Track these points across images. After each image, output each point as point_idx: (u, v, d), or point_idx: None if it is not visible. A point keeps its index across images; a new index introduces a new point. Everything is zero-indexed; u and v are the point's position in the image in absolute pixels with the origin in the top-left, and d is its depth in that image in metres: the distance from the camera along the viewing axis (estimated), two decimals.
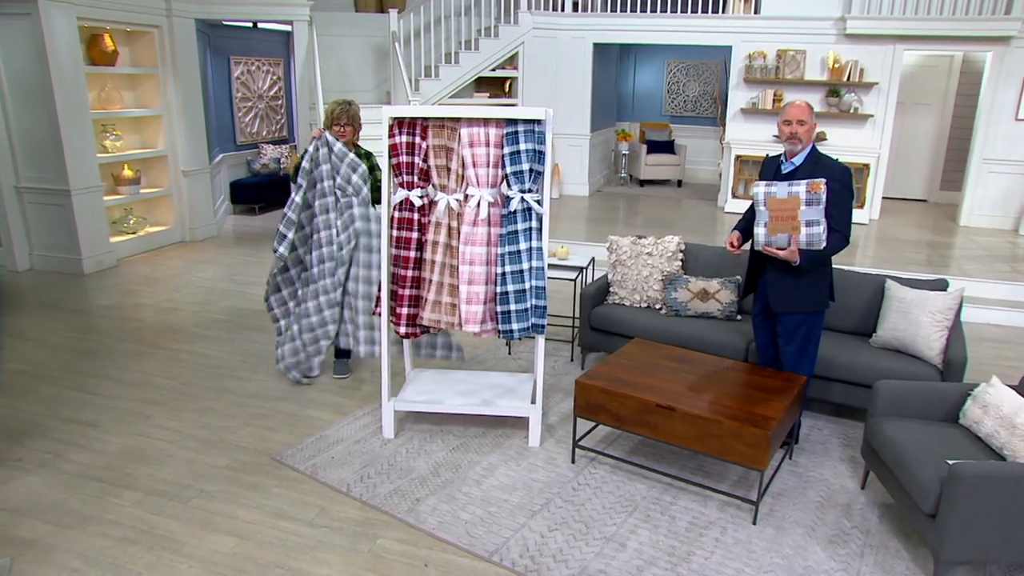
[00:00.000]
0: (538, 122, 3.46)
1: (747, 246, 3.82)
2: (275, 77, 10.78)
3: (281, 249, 4.32)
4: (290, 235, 4.30)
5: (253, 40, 10.30)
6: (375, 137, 7.93)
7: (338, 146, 4.22)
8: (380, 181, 4.23)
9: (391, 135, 3.59)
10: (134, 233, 7.87)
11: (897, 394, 3.42)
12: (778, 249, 3.49)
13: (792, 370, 3.76)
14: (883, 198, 9.58)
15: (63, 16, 6.47)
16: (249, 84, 10.29)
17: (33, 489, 3.46)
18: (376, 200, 4.35)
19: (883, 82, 9.07)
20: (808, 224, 3.40)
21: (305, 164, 4.24)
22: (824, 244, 3.44)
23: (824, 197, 3.36)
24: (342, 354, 4.75)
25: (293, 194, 4.29)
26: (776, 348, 3.89)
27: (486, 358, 5.10)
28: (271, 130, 10.79)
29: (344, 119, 4.32)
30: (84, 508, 3.33)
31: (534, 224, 3.57)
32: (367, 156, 4.49)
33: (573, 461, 3.75)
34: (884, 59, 9.00)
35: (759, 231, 3.54)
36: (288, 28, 9.65)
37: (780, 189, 3.44)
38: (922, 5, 8.61)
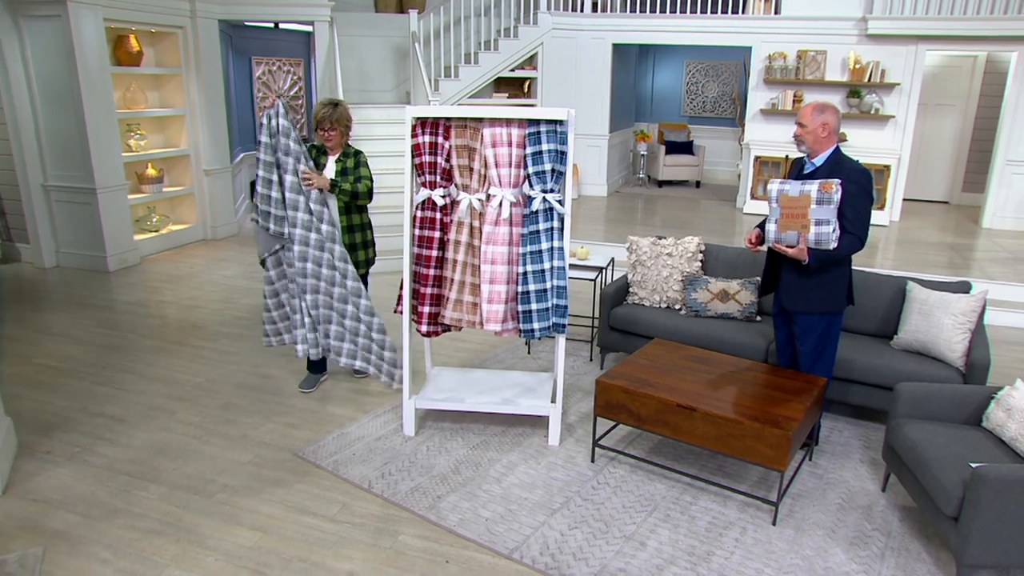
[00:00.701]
0: (560, 122, 3.48)
1: (765, 245, 3.82)
2: (295, 77, 10.86)
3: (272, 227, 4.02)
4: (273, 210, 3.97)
5: (274, 40, 10.39)
6: (397, 137, 8.05)
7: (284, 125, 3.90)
8: (360, 186, 4.09)
9: (414, 135, 3.63)
10: (157, 231, 7.97)
11: (919, 396, 3.41)
12: (787, 247, 3.50)
13: (808, 371, 3.76)
14: (904, 200, 9.50)
15: (91, 17, 6.58)
16: (270, 84, 10.38)
17: (63, 481, 3.53)
18: (355, 201, 4.16)
19: (905, 83, 9.00)
20: (818, 223, 3.40)
21: (265, 139, 3.88)
22: (834, 244, 3.42)
23: (836, 197, 3.35)
24: (316, 367, 4.63)
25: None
26: (795, 348, 3.89)
27: (505, 357, 5.13)
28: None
29: (327, 123, 4.09)
30: (112, 500, 3.39)
31: (556, 224, 3.59)
32: (355, 155, 4.23)
33: (593, 460, 3.77)
34: (906, 60, 8.93)
35: (770, 227, 3.56)
36: (309, 28, 9.74)
37: (793, 187, 3.45)
38: (945, 5, 8.53)
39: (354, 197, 4.12)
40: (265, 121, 3.87)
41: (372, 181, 4.21)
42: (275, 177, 3.92)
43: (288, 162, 3.89)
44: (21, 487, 3.47)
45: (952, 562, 3.03)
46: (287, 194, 3.93)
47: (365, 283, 4.42)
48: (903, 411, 3.41)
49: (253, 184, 9.99)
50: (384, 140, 7.87)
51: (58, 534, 3.13)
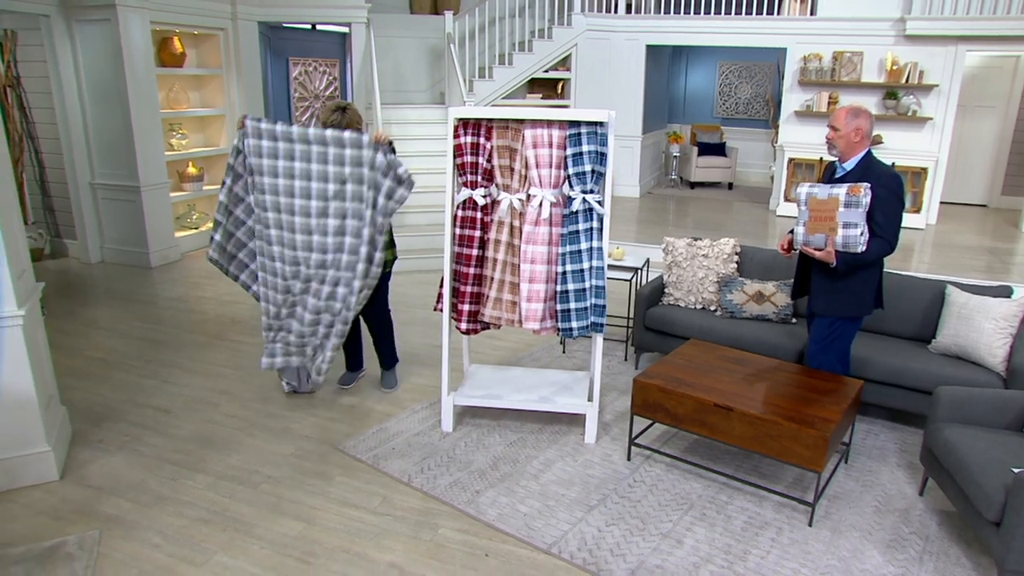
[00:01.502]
0: (600, 124, 3.53)
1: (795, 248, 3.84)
2: (331, 77, 11.01)
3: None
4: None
5: (311, 41, 10.54)
6: (432, 136, 8.15)
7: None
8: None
9: (456, 135, 3.69)
10: (196, 228, 8.15)
11: (959, 400, 3.39)
12: (815, 249, 3.51)
13: (817, 367, 3.82)
14: (941, 203, 9.38)
15: (138, 21, 6.76)
16: (306, 84, 10.54)
17: (115, 469, 3.66)
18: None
19: (943, 84, 8.89)
20: (846, 226, 3.41)
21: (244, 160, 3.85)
22: (862, 248, 3.42)
23: (865, 201, 3.35)
24: (354, 364, 4.69)
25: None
26: None
27: (540, 356, 5.18)
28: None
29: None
30: (161, 489, 3.50)
31: (595, 224, 3.63)
32: None
33: (629, 458, 3.81)
34: (945, 60, 8.82)
35: (798, 230, 3.58)
36: (345, 30, 9.88)
37: (821, 190, 3.46)
38: (987, 4, 8.41)
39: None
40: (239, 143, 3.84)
41: None
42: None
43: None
44: (76, 473, 3.61)
45: (993, 567, 3.02)
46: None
47: (386, 282, 4.41)
48: (942, 415, 3.40)
49: None
50: (419, 140, 7.97)
51: (112, 519, 3.25)
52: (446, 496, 3.45)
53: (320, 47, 10.71)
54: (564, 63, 10.00)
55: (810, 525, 3.30)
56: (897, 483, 3.66)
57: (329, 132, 3.69)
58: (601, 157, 3.57)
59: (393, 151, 3.89)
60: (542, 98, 10.05)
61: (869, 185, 3.38)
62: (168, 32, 7.54)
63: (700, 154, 11.59)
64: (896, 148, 9.06)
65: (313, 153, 3.72)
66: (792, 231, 3.89)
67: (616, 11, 10.08)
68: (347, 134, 3.68)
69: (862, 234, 3.40)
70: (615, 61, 10.10)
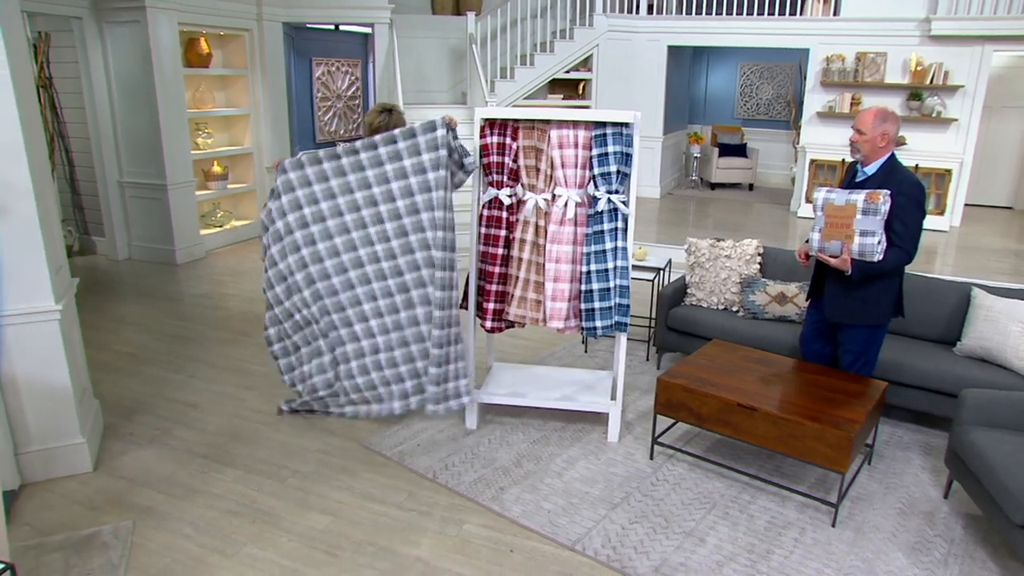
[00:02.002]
0: (626, 125, 3.56)
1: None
2: (353, 77, 11.10)
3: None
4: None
5: (334, 42, 10.64)
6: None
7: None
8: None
9: (483, 135, 3.73)
10: (221, 226, 8.26)
11: (985, 403, 3.38)
12: (830, 256, 3.45)
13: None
14: (965, 205, 9.29)
15: (167, 22, 6.87)
16: (329, 84, 10.63)
17: (146, 461, 3.73)
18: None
19: (969, 85, 8.80)
20: (863, 234, 3.33)
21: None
22: (879, 257, 3.35)
23: (883, 208, 3.28)
24: None
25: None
26: (824, 345, 3.90)
27: (562, 355, 5.21)
28: (348, 129, 11.13)
29: (384, 132, 3.73)
30: (191, 481, 3.57)
31: (620, 224, 3.66)
32: None
33: (651, 457, 3.83)
34: (971, 61, 8.73)
35: (814, 236, 3.51)
36: (368, 30, 9.96)
37: (839, 196, 3.39)
38: (1015, 4, 8.31)
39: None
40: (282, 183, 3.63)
41: None
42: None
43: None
44: (109, 465, 3.69)
45: (1021, 572, 3.01)
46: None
47: None
48: (968, 417, 3.39)
49: None
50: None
51: (144, 510, 3.32)
52: (471, 492, 3.49)
53: (342, 47, 10.80)
54: (585, 64, 10.01)
55: (833, 526, 3.30)
56: (921, 485, 3.66)
57: (396, 132, 3.57)
58: (626, 158, 3.59)
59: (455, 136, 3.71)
60: (563, 99, 10.07)
61: (889, 192, 3.30)
62: (195, 33, 7.65)
63: (720, 155, 11.56)
64: (920, 150, 8.98)
65: (369, 175, 3.56)
66: (808, 240, 3.87)
67: (638, 12, 10.08)
68: (418, 123, 3.57)
69: (879, 243, 3.33)
70: (636, 62, 10.09)
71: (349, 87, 11.04)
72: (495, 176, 3.77)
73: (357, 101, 11.26)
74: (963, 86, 8.80)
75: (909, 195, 3.38)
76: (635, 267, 5.06)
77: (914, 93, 9.02)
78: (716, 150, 11.57)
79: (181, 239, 7.39)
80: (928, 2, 8.75)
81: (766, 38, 9.65)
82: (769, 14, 9.65)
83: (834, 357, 3.92)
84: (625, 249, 3.66)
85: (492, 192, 3.79)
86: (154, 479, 3.58)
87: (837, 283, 3.59)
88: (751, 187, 11.79)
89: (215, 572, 2.94)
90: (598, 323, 3.70)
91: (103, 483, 3.53)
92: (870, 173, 3.52)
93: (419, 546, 3.13)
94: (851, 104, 9.28)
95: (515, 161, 3.75)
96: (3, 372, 3.30)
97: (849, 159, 3.71)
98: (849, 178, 3.68)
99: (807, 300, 4.00)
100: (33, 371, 3.36)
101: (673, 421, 4.06)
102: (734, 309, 4.79)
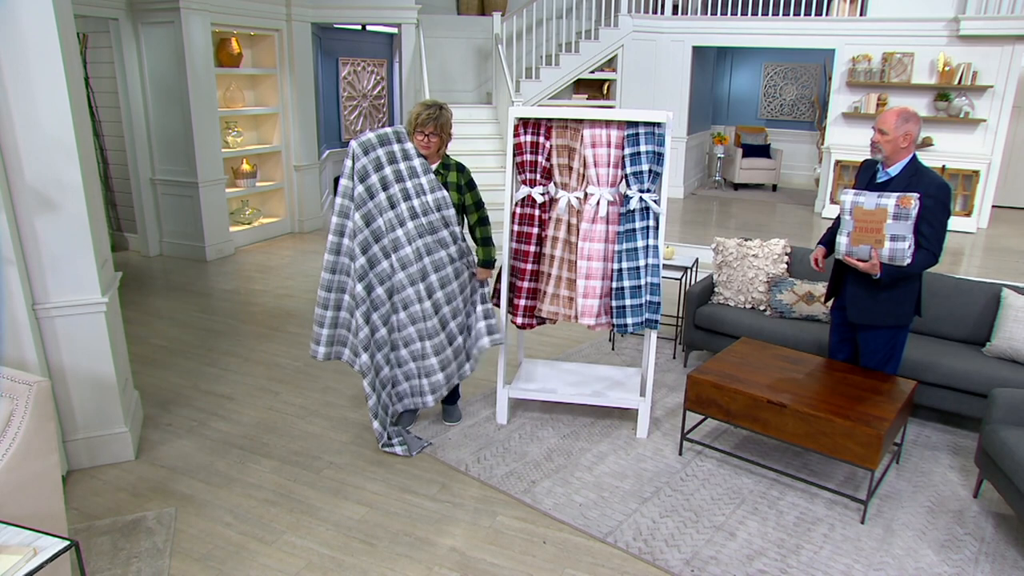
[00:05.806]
0: (658, 125, 3.60)
1: (833, 258, 3.78)
2: (379, 77, 11.22)
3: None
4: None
5: (360, 42, 10.76)
6: (479, 136, 8.27)
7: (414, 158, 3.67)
8: (471, 204, 3.82)
9: (516, 134, 3.79)
10: (249, 224, 8.39)
11: (1016, 402, 3.39)
12: (859, 261, 3.43)
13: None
14: (993, 207, 9.22)
15: (200, 23, 6.99)
16: (355, 84, 10.76)
17: (185, 451, 3.83)
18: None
19: (998, 85, 8.73)
20: (893, 239, 3.31)
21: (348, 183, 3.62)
22: (908, 261, 3.34)
23: (914, 212, 3.26)
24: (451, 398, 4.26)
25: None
26: (851, 351, 3.90)
27: (590, 352, 5.26)
28: (373, 128, 11.23)
29: (431, 127, 3.63)
30: (229, 471, 3.66)
31: (651, 223, 3.70)
32: (459, 170, 3.81)
33: (680, 453, 3.87)
34: (1000, 61, 8.66)
35: (841, 240, 3.49)
36: (394, 31, 10.06)
37: (868, 200, 3.36)
38: None
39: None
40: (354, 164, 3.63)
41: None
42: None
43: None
44: (150, 454, 3.79)
45: None
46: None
47: None
48: (998, 416, 3.40)
49: (336, 180, 10.35)
50: (468, 139, 8.09)
51: (185, 498, 3.42)
52: (503, 485, 3.55)
53: (369, 47, 10.93)
54: (610, 64, 10.04)
55: (862, 523, 3.33)
56: (950, 485, 3.67)
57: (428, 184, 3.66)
58: (658, 157, 3.63)
59: (471, 184, 3.85)
60: (587, 99, 10.11)
61: (918, 196, 3.28)
62: (227, 33, 7.78)
63: (744, 155, 11.54)
64: (947, 151, 8.93)
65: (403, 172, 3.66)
66: (821, 241, 3.87)
67: (662, 12, 10.10)
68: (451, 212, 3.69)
69: (909, 247, 3.31)
70: (661, 62, 10.11)
71: (374, 86, 11.16)
72: (528, 174, 3.82)
73: (382, 100, 11.38)
74: (992, 86, 8.74)
75: (936, 197, 3.37)
76: (664, 266, 5.09)
77: (942, 94, 8.97)
78: (739, 151, 11.56)
79: (211, 236, 7.52)
80: (957, 2, 8.70)
81: (791, 38, 9.63)
82: (795, 14, 9.65)
83: (855, 358, 3.93)
84: (656, 247, 3.71)
85: (525, 190, 3.85)
86: (193, 468, 3.68)
87: (860, 285, 3.58)
88: (774, 188, 11.76)
89: (256, 558, 3.02)
90: (629, 320, 3.74)
91: (145, 471, 3.63)
92: (893, 174, 3.48)
93: (453, 536, 3.19)
94: (877, 105, 9.25)
95: (548, 160, 3.80)
96: (51, 362, 3.41)
97: (871, 158, 3.68)
98: (867, 178, 3.62)
99: (825, 302, 3.98)
100: (79, 361, 3.47)
101: (701, 418, 4.10)
102: (761, 308, 4.81)
